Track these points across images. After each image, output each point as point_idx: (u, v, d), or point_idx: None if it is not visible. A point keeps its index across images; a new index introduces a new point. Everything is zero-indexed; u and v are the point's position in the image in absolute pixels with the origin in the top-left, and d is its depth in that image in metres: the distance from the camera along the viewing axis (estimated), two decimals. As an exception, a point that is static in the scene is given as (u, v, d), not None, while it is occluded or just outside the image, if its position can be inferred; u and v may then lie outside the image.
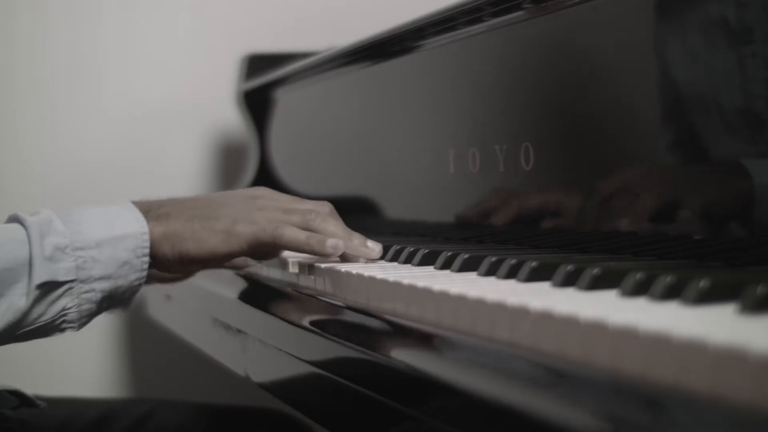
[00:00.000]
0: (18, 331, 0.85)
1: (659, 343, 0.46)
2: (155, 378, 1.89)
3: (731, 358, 0.42)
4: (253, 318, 0.99)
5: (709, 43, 0.76)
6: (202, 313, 1.22)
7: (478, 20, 1.04)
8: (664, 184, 0.81)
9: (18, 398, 1.07)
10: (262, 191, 0.96)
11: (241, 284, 1.12)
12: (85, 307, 0.86)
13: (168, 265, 0.91)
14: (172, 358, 1.84)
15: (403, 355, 0.68)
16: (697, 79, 0.78)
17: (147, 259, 0.88)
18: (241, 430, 1.26)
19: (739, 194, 0.73)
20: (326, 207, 0.95)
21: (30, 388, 1.09)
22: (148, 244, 0.88)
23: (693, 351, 0.44)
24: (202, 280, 1.14)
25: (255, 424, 1.27)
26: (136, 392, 1.88)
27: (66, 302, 0.85)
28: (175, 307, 1.41)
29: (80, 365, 1.84)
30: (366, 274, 0.81)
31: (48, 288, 0.84)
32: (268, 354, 0.94)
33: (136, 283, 0.89)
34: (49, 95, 1.82)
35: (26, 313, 0.84)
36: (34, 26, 1.82)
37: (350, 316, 0.80)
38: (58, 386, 1.64)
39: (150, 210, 0.90)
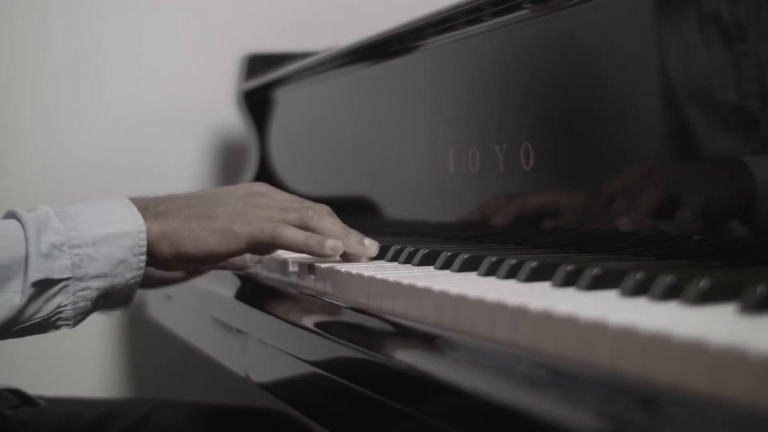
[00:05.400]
0: (13, 328, 0.85)
1: (659, 343, 0.46)
2: (155, 378, 1.89)
3: (731, 358, 0.42)
4: (252, 318, 0.99)
5: (708, 41, 0.76)
6: (202, 313, 1.22)
7: (478, 20, 1.04)
8: (665, 184, 0.81)
9: (18, 398, 1.07)
10: (260, 187, 0.96)
11: (240, 284, 1.12)
12: (81, 304, 0.86)
13: (165, 264, 0.91)
14: (172, 358, 1.84)
15: (403, 355, 0.68)
16: (698, 78, 0.78)
17: (144, 257, 0.88)
18: (241, 430, 1.26)
19: (739, 194, 0.73)
20: (324, 207, 0.95)
21: (30, 388, 1.09)
22: (145, 242, 0.88)
23: (693, 351, 0.44)
24: (202, 280, 1.14)
25: (255, 424, 1.27)
26: (136, 392, 1.88)
27: (61, 300, 0.85)
28: (175, 307, 1.41)
29: (80, 365, 1.84)
30: (366, 274, 0.81)
31: (43, 286, 0.84)
32: (268, 354, 0.94)
33: (133, 281, 0.88)
34: (49, 95, 1.82)
35: (21, 311, 0.84)
36: (34, 26, 1.81)
37: (350, 316, 0.80)
38: (58, 386, 1.64)
39: (148, 207, 0.90)
